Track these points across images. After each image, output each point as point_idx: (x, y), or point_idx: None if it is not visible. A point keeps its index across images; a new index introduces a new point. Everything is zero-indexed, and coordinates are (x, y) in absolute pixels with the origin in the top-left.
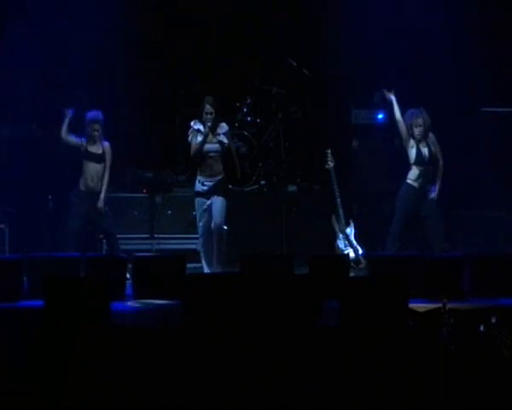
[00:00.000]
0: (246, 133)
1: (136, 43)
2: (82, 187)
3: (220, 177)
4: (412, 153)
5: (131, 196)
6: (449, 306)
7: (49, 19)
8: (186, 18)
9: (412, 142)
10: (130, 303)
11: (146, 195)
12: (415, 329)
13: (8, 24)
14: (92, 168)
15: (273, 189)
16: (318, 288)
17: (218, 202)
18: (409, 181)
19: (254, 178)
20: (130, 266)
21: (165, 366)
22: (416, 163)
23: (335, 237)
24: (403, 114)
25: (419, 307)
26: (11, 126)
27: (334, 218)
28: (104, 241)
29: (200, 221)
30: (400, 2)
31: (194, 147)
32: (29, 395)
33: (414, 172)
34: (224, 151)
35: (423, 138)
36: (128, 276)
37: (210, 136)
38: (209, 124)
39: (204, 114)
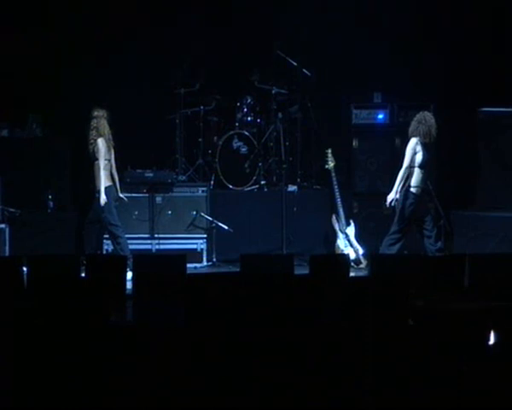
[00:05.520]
0: (246, 133)
1: (135, 43)
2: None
3: None
4: (419, 156)
5: (131, 195)
6: (448, 306)
7: None
8: (186, 18)
9: (419, 147)
10: None
11: (146, 195)
12: (414, 328)
13: None
14: None
15: (273, 189)
16: (318, 288)
17: None
18: (412, 190)
19: (254, 178)
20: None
21: (165, 365)
22: (421, 166)
23: (335, 237)
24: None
25: (417, 306)
26: (11, 126)
27: (334, 218)
28: (105, 241)
29: None
30: (399, 3)
31: None
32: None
33: (417, 176)
34: None
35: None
36: (128, 276)
37: None
38: None
39: None
